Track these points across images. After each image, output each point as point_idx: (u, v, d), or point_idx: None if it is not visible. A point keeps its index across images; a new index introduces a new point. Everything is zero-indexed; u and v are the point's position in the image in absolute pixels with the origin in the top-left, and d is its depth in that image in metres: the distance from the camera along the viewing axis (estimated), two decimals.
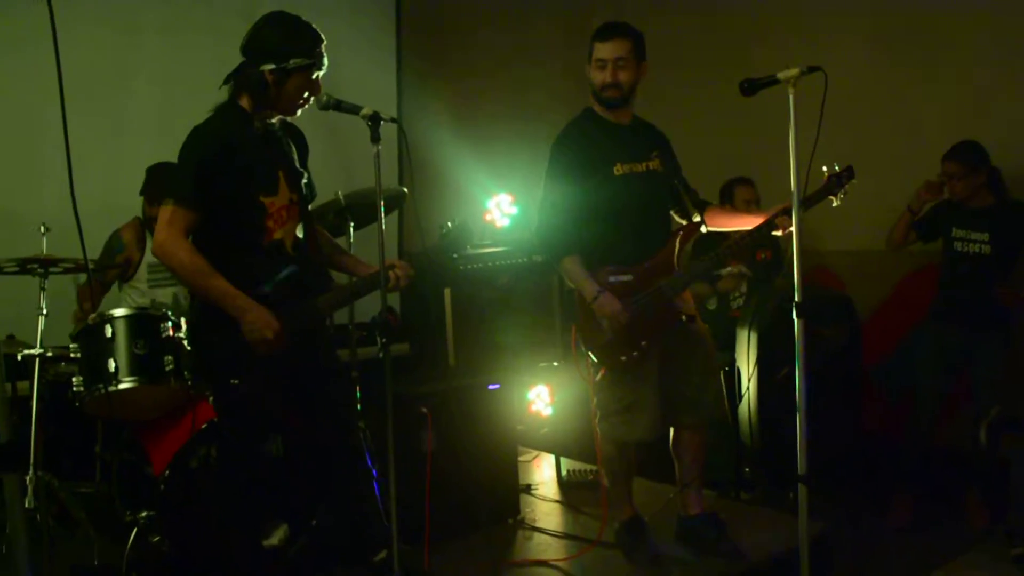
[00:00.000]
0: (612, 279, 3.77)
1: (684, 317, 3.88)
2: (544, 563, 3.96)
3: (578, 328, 3.87)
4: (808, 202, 3.81)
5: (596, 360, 3.82)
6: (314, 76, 3.27)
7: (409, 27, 5.98)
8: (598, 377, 3.84)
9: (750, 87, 3.53)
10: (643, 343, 3.76)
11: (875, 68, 5.72)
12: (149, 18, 5.18)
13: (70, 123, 5.06)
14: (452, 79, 6.31)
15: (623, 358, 3.77)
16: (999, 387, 4.73)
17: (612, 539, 4.05)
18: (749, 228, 3.80)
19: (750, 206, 5.26)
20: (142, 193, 4.54)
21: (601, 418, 3.89)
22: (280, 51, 3.19)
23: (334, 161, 4.69)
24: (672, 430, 4.05)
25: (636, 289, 3.77)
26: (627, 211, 3.82)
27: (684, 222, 3.95)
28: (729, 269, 5.19)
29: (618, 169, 3.80)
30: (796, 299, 3.51)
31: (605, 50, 3.78)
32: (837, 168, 3.86)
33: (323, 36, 3.28)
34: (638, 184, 3.84)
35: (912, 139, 5.60)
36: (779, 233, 3.73)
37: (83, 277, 4.51)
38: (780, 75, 3.46)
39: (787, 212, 3.77)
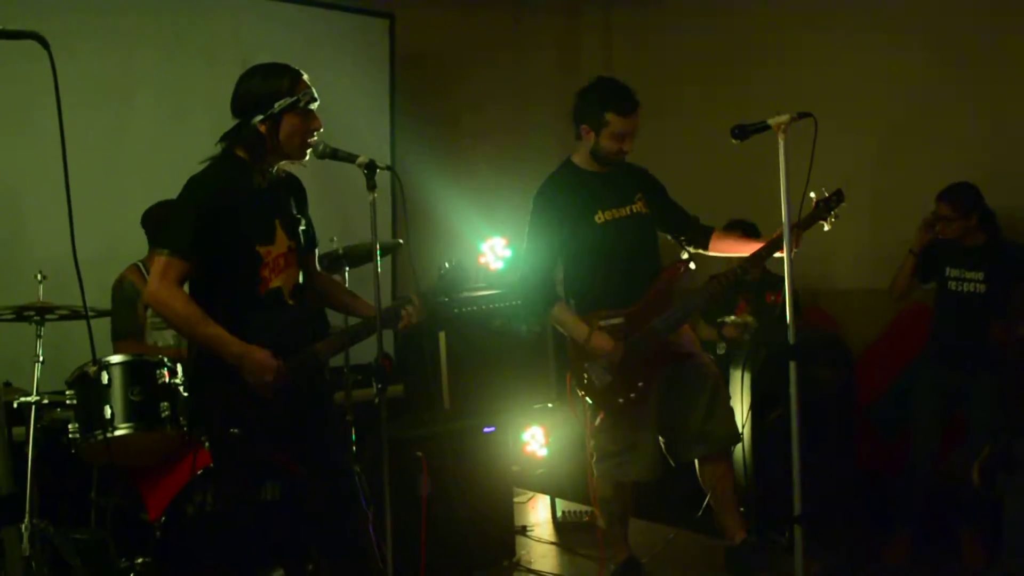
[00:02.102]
0: (604, 323, 3.80)
1: (682, 354, 3.91)
2: None
3: (573, 373, 3.89)
4: (800, 227, 3.86)
5: (593, 404, 3.83)
6: (307, 110, 3.25)
7: (403, 71, 6.03)
8: (597, 422, 3.86)
9: (741, 133, 3.59)
10: (639, 384, 3.79)
11: (865, 106, 5.80)
12: (144, 63, 5.21)
13: (71, 172, 5.09)
14: (446, 122, 6.37)
15: (621, 400, 3.80)
16: (995, 427, 4.75)
17: None
18: (745, 255, 3.85)
19: None
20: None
21: (599, 459, 3.92)
22: (264, 99, 3.20)
23: (330, 208, 4.71)
24: (696, 463, 4.08)
25: (629, 331, 3.80)
26: (614, 256, 3.88)
27: (691, 250, 4.00)
28: (733, 318, 5.22)
29: (599, 217, 3.88)
30: (790, 342, 3.56)
31: (625, 125, 3.84)
32: (825, 193, 3.92)
33: (302, 71, 3.27)
34: (622, 228, 3.90)
35: (900, 176, 5.66)
36: (782, 254, 3.71)
37: (79, 329, 4.50)
38: (771, 121, 3.53)
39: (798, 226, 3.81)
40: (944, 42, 5.44)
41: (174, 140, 5.06)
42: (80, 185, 5.16)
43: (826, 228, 3.91)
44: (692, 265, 3.96)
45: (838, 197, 3.94)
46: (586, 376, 3.82)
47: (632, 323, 3.82)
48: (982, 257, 4.81)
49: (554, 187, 3.93)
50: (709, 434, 3.99)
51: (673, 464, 4.10)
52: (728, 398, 4.14)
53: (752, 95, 6.04)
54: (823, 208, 3.91)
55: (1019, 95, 5.15)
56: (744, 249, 3.95)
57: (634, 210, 3.94)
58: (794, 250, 3.70)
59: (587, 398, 3.85)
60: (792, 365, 3.56)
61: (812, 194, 3.92)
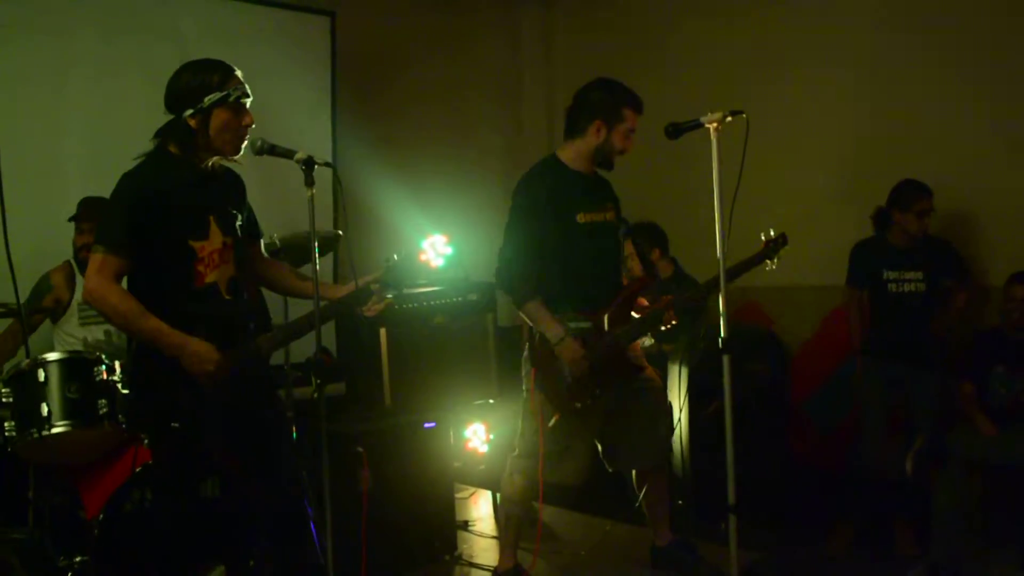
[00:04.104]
0: (571, 325, 3.83)
1: (635, 367, 3.98)
2: None
3: (537, 372, 3.89)
4: (746, 266, 4.00)
5: (550, 404, 3.86)
6: (237, 105, 3.26)
7: (344, 68, 6.02)
8: (552, 422, 3.86)
9: (675, 131, 3.67)
10: (596, 391, 3.82)
11: (803, 108, 5.91)
12: (79, 60, 5.16)
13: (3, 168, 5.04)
14: (387, 119, 6.37)
15: (578, 404, 3.82)
16: (937, 417, 4.88)
17: None
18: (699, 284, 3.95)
19: None
20: (71, 220, 4.52)
21: (524, 456, 3.93)
22: (193, 94, 3.21)
23: (271, 203, 4.69)
24: (633, 472, 4.15)
25: (594, 338, 3.84)
26: (587, 259, 3.90)
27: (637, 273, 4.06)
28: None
29: (581, 217, 3.89)
30: (722, 335, 3.64)
31: (635, 122, 3.90)
32: (772, 234, 4.04)
33: (234, 67, 3.29)
34: (599, 233, 3.93)
35: (837, 174, 5.78)
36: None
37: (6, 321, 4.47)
38: (704, 119, 3.61)
39: (731, 274, 3.92)
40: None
41: (109, 138, 5.00)
42: (13, 182, 5.13)
43: (769, 268, 4.03)
44: (654, 280, 4.03)
45: (783, 240, 4.07)
46: (551, 377, 3.84)
47: (598, 330, 3.86)
48: (918, 256, 4.92)
49: (541, 180, 3.91)
50: (647, 448, 4.07)
51: (609, 470, 4.17)
52: (668, 413, 4.19)
53: (694, 91, 6.12)
54: (771, 249, 4.04)
55: (979, 93, 5.26)
56: None
57: (608, 218, 3.98)
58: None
59: (546, 399, 3.86)
60: (725, 359, 3.64)
61: (762, 235, 4.06)
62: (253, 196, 3.64)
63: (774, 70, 5.99)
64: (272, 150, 3.31)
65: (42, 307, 4.51)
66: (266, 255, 3.70)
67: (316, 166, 3.29)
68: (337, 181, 3.36)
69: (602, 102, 3.88)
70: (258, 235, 3.60)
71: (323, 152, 5.85)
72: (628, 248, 4.95)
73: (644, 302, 4.02)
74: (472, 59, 7.01)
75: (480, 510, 5.28)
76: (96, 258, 3.17)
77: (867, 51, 5.65)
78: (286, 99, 5.55)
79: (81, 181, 4.89)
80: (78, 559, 3.71)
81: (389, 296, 3.52)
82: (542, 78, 7.30)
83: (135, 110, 4.97)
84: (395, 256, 3.53)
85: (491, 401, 5.05)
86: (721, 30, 6.31)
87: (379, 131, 6.23)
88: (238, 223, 3.46)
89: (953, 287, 4.96)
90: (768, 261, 4.06)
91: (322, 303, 3.35)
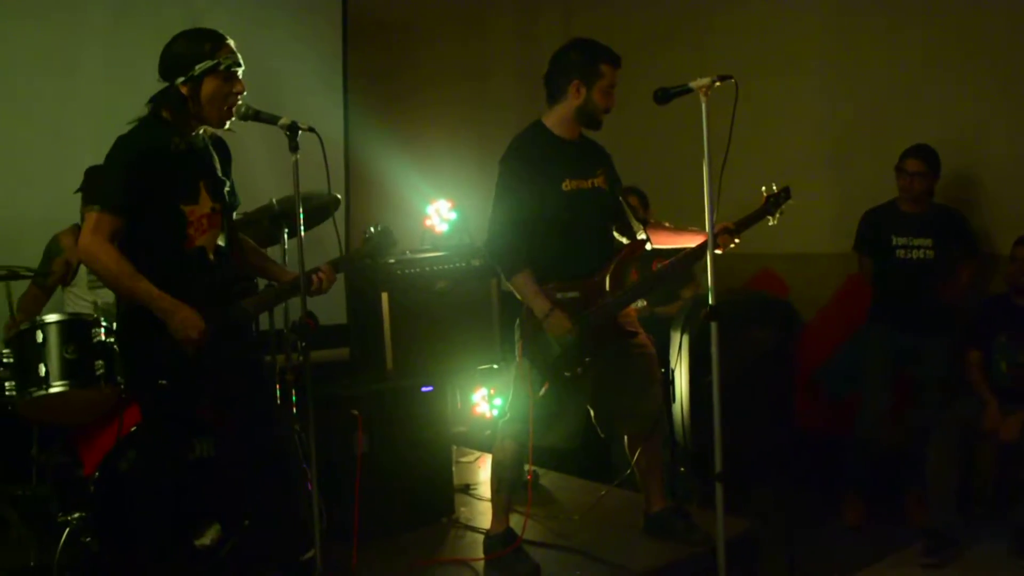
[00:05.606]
0: (559, 295, 3.81)
1: (627, 332, 3.97)
2: (462, 562, 4.06)
3: (524, 344, 3.88)
4: (747, 223, 3.95)
5: (539, 374, 3.85)
6: (228, 73, 3.31)
7: (355, 36, 6.04)
8: (542, 391, 3.85)
9: (663, 96, 3.63)
10: (587, 359, 3.82)
11: (815, 73, 5.84)
12: (91, 25, 5.23)
13: (12, 130, 5.16)
14: (395, 86, 6.39)
15: (567, 373, 3.81)
16: (946, 386, 4.84)
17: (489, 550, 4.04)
18: (692, 246, 3.89)
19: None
20: (79, 191, 4.60)
21: (516, 420, 3.93)
22: (185, 62, 3.28)
23: (272, 168, 4.74)
24: (625, 438, 4.16)
25: (582, 306, 3.82)
26: (574, 227, 3.85)
27: (626, 240, 4.02)
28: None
29: (566, 185, 3.84)
30: (710, 302, 3.63)
31: (615, 77, 3.84)
32: (775, 188, 3.98)
33: (226, 36, 3.34)
34: (584, 201, 3.88)
35: (852, 142, 5.72)
36: (719, 252, 3.76)
37: (22, 288, 4.58)
38: (693, 84, 3.57)
39: (727, 231, 3.90)
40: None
41: (119, 108, 5.04)
42: (27, 149, 5.22)
43: (771, 223, 3.97)
44: (648, 246, 3.99)
45: (786, 194, 4.00)
46: (538, 347, 3.83)
47: (587, 298, 3.83)
48: (927, 223, 4.88)
49: (526, 147, 3.88)
50: (638, 414, 4.05)
51: (601, 435, 4.18)
52: (659, 380, 4.17)
53: (713, 64, 6.05)
54: (772, 204, 3.98)
55: (984, 61, 5.18)
56: (678, 241, 4.00)
57: (596, 184, 3.93)
58: (728, 247, 3.85)
59: (534, 368, 3.86)
60: (713, 326, 3.62)
61: (763, 189, 3.99)
62: (252, 160, 3.69)
63: (801, 35, 5.90)
64: (257, 116, 3.35)
65: (52, 270, 4.60)
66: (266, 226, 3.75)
67: (307, 131, 3.32)
68: (321, 144, 3.36)
69: (578, 61, 3.84)
70: (235, 206, 3.65)
71: (335, 121, 5.89)
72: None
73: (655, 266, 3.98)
74: (489, 33, 6.97)
75: (485, 474, 5.31)
76: (91, 217, 3.25)
77: (868, 10, 5.56)
78: (297, 68, 5.58)
79: (93, 149, 4.96)
80: (76, 515, 3.79)
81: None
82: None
83: (145, 81, 5.02)
84: (372, 228, 3.58)
85: (495, 366, 5.07)
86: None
87: (387, 97, 6.27)
88: (226, 189, 3.51)
89: (960, 257, 4.90)
90: (770, 217, 3.99)
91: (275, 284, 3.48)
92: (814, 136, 5.86)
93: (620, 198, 4.06)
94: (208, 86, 3.29)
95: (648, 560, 3.99)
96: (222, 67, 3.28)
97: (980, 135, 5.14)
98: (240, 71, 3.36)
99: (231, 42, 3.35)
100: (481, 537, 4.17)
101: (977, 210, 5.16)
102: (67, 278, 4.66)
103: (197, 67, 3.26)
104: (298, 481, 3.91)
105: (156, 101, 3.36)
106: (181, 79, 3.27)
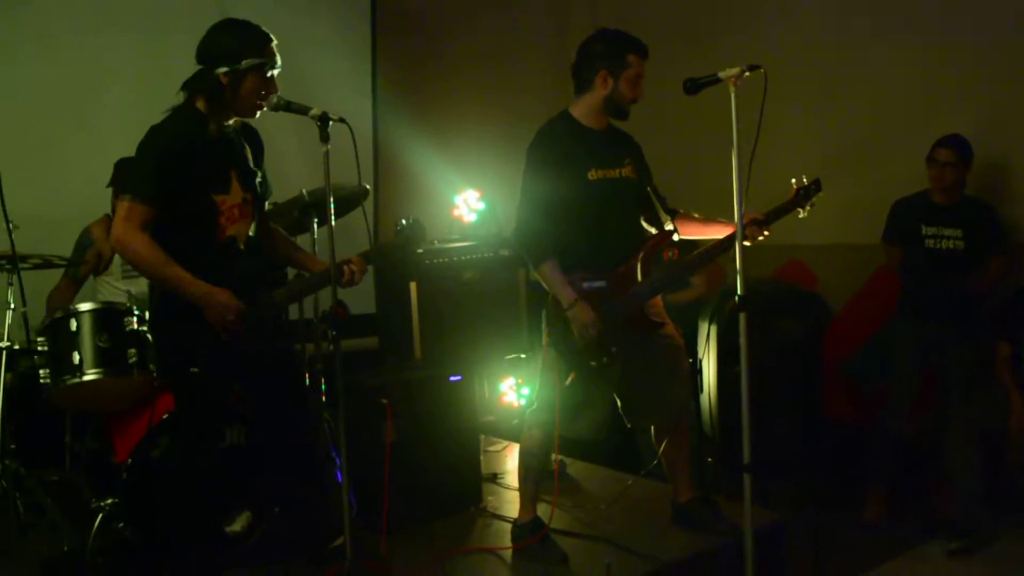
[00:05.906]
0: (585, 285, 3.80)
1: (655, 323, 3.96)
2: (491, 550, 4.06)
3: (550, 332, 3.89)
4: (776, 214, 3.92)
5: (565, 364, 3.86)
6: (268, 75, 3.35)
7: (384, 26, 6.06)
8: (568, 381, 3.85)
9: (692, 86, 3.62)
10: (613, 349, 3.82)
11: (844, 62, 5.80)
12: (125, 18, 5.26)
13: (48, 124, 5.21)
14: (423, 77, 6.39)
15: (593, 363, 3.81)
16: (973, 381, 4.81)
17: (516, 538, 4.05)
18: (720, 237, 3.87)
19: None
20: (109, 185, 4.64)
21: (544, 410, 3.93)
22: (232, 53, 3.29)
23: (302, 159, 4.77)
24: (652, 428, 4.16)
25: (609, 295, 3.81)
26: (600, 216, 3.85)
27: (654, 230, 4.00)
28: None
29: (592, 174, 3.83)
30: (739, 293, 3.61)
31: (642, 68, 3.84)
32: (805, 180, 3.96)
33: (272, 37, 3.37)
34: (611, 190, 3.87)
35: (882, 132, 5.68)
36: (748, 244, 3.74)
37: (54, 280, 4.63)
38: (722, 74, 3.54)
39: (756, 222, 3.88)
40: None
41: (150, 96, 5.08)
42: (60, 138, 5.27)
43: (801, 216, 3.95)
44: (676, 236, 3.97)
45: (816, 186, 3.97)
46: (564, 337, 3.83)
47: (614, 287, 3.83)
48: (958, 213, 4.84)
49: (553, 137, 3.87)
50: (665, 404, 4.05)
51: (628, 425, 4.18)
52: (686, 370, 4.16)
53: (740, 54, 6.02)
54: (802, 196, 3.95)
55: (1004, 56, 5.12)
56: (707, 232, 3.98)
57: (623, 174, 3.92)
58: (756, 239, 3.83)
59: (560, 357, 3.87)
60: (741, 317, 3.61)
61: (793, 181, 3.97)
62: (283, 151, 3.70)
63: (827, 29, 5.86)
64: (288, 107, 3.37)
65: (84, 260, 4.65)
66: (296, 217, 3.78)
67: (331, 122, 3.34)
68: (351, 135, 3.38)
69: (605, 51, 3.83)
70: (267, 196, 3.67)
71: (363, 111, 5.91)
72: None
73: (668, 255, 3.96)
74: (519, 22, 6.95)
75: (512, 463, 5.33)
76: (123, 206, 3.27)
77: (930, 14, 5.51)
78: (327, 58, 5.60)
79: (123, 138, 5.00)
80: (109, 501, 3.84)
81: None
82: None
83: (176, 67, 5.06)
84: (404, 221, 3.60)
85: (522, 356, 5.09)
86: None
87: (415, 88, 6.27)
88: (257, 180, 3.54)
89: (990, 249, 4.86)
90: (800, 209, 3.96)
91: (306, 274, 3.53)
92: (845, 126, 5.82)
93: (649, 188, 4.05)
94: (249, 82, 3.31)
95: (676, 550, 3.99)
96: (266, 69, 3.32)
97: (1015, 125, 5.07)
98: (276, 73, 3.39)
99: (275, 43, 3.38)
100: (509, 526, 4.19)
101: (1009, 202, 5.11)
102: (98, 268, 4.71)
103: (245, 61, 3.28)
104: (328, 469, 3.95)
105: (192, 87, 3.37)
106: (224, 69, 3.28)
